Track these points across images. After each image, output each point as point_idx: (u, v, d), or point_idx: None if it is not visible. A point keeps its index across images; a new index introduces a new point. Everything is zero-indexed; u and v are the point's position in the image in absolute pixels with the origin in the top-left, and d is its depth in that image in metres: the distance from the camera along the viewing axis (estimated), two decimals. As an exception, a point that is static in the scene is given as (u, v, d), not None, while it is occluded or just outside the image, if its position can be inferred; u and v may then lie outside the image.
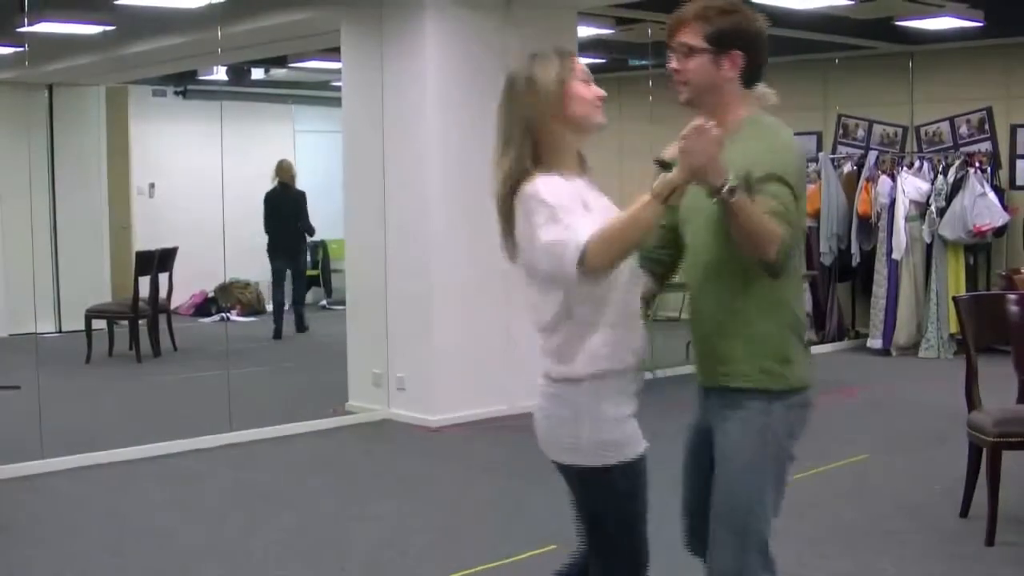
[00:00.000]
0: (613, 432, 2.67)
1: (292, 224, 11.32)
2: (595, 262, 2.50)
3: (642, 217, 2.53)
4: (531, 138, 2.68)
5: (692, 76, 2.74)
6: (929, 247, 9.63)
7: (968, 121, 10.15)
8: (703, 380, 2.87)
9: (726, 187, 2.47)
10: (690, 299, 2.89)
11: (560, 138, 2.71)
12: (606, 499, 2.73)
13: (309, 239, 11.91)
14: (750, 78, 2.77)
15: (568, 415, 2.69)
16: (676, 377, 7.81)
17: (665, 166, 2.62)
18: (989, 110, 10.02)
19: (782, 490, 2.82)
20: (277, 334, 11.27)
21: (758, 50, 2.77)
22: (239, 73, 10.96)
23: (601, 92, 2.75)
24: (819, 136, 10.85)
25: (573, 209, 2.58)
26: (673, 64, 2.77)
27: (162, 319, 9.89)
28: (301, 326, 11.46)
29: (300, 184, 11.53)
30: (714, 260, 2.73)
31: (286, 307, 11.43)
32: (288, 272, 11.42)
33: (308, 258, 12.51)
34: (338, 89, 8.24)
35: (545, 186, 2.62)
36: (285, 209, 11.28)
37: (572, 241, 2.51)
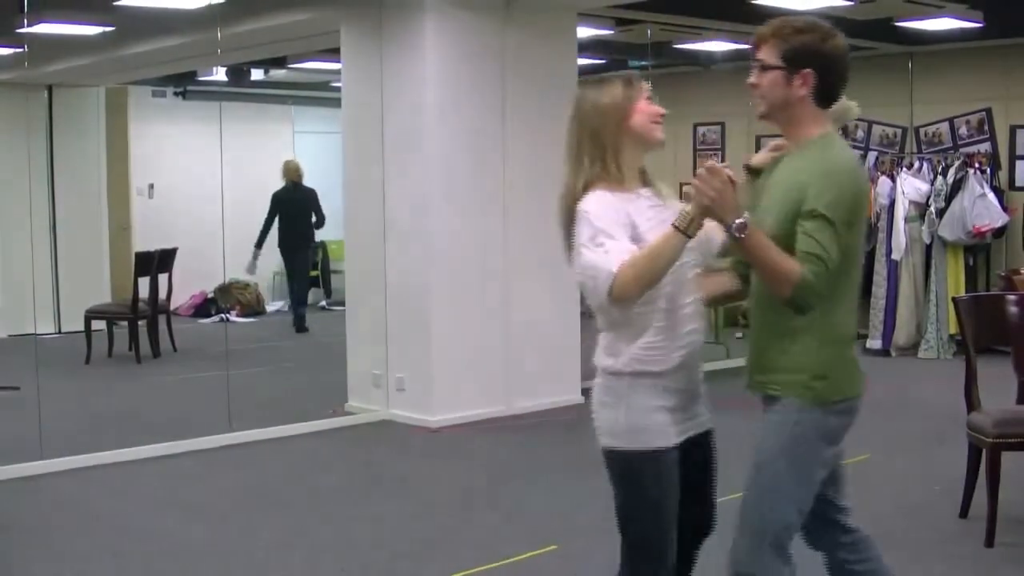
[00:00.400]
0: (644, 419, 2.81)
1: (302, 222, 11.37)
2: (622, 292, 2.68)
3: (664, 249, 2.68)
4: (599, 151, 2.81)
5: (766, 92, 2.87)
6: (928, 248, 9.64)
7: (968, 122, 10.16)
8: (749, 385, 2.98)
9: (734, 226, 2.61)
10: (749, 309, 3.02)
11: (624, 149, 2.83)
12: (636, 486, 2.84)
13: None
14: (824, 97, 2.86)
15: (610, 401, 2.88)
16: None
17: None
18: (989, 111, 10.03)
19: (812, 488, 2.91)
20: (299, 325, 11.42)
21: (833, 70, 2.86)
22: (239, 74, 10.94)
23: (661, 109, 2.89)
24: (818, 137, 10.84)
25: (614, 232, 2.71)
26: (751, 79, 2.89)
27: (161, 320, 9.88)
28: (301, 327, 11.48)
29: (300, 185, 11.58)
30: None
31: (286, 307, 11.52)
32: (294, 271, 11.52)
33: (311, 258, 12.53)
34: (338, 89, 8.23)
35: (594, 204, 2.76)
36: (294, 208, 11.33)
37: (605, 269, 2.67)
